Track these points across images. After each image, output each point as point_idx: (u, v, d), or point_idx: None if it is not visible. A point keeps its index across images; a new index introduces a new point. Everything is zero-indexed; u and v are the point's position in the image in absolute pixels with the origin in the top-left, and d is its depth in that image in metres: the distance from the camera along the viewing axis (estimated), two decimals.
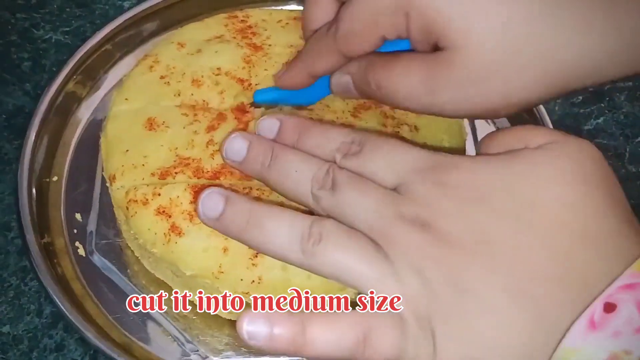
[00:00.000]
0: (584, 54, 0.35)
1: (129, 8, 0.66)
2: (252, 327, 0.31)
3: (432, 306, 0.30)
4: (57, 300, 0.47)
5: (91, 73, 0.60)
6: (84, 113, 0.59)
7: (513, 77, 0.35)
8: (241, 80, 0.51)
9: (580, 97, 0.66)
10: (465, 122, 0.57)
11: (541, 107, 0.58)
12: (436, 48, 0.36)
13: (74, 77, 0.58)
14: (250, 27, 0.56)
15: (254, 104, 0.48)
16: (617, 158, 0.62)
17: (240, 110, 0.49)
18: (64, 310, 0.47)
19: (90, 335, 0.46)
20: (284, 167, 0.36)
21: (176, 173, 0.46)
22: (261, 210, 0.35)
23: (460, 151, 0.51)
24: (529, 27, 0.34)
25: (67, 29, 0.67)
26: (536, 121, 0.58)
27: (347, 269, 0.32)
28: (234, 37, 0.54)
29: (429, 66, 0.36)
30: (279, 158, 0.36)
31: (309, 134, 0.37)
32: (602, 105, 0.65)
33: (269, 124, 0.39)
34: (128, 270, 0.51)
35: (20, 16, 0.68)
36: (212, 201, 0.36)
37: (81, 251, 0.52)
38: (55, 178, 0.56)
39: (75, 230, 0.53)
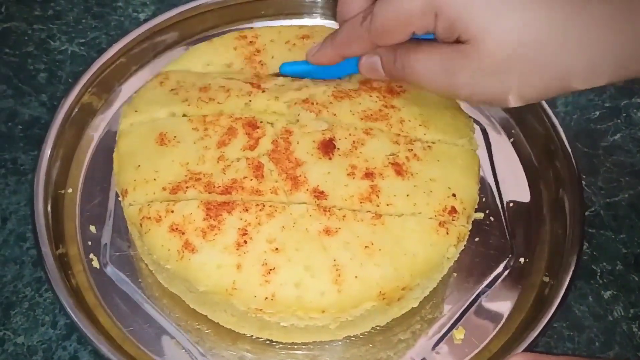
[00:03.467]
0: (604, 54, 0.39)
1: (145, 20, 0.67)
2: None
3: None
4: (72, 313, 0.47)
5: (107, 85, 0.61)
6: (99, 125, 0.60)
7: (531, 73, 0.39)
8: (251, 84, 0.52)
9: (597, 113, 0.65)
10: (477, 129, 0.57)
11: (557, 124, 0.58)
12: (458, 42, 0.40)
13: (90, 89, 0.59)
14: (258, 51, 0.55)
15: (280, 75, 0.53)
16: (633, 175, 0.62)
17: (251, 125, 0.50)
18: (78, 323, 0.47)
19: (104, 347, 0.46)
20: None
21: (187, 188, 0.46)
22: None
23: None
24: (550, 29, 0.38)
25: (83, 40, 0.68)
26: (551, 138, 0.58)
27: None
28: (242, 68, 0.54)
29: (449, 54, 0.40)
30: None
31: None
32: (619, 121, 0.65)
33: None
34: (142, 283, 0.52)
35: (37, 27, 0.68)
36: None
37: (95, 263, 0.53)
38: (70, 190, 0.56)
39: (89, 242, 0.54)
